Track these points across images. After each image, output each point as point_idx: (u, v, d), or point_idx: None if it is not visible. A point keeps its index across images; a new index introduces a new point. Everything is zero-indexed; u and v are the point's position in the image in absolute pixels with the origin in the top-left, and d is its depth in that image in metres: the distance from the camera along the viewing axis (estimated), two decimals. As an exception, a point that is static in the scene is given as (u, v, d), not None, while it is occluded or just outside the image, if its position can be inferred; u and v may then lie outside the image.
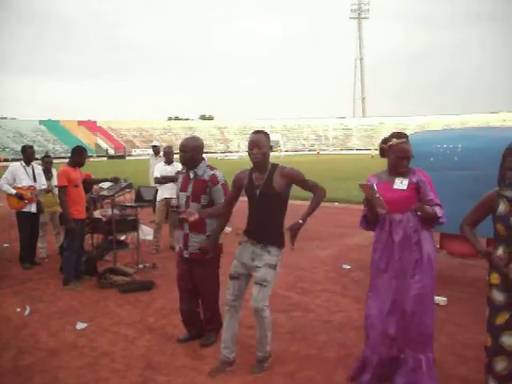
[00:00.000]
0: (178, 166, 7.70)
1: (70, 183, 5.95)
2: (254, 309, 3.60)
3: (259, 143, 3.55)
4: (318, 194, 3.56)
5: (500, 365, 2.84)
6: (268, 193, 3.57)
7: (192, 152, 4.05)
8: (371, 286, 3.50)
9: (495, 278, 2.89)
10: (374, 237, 3.53)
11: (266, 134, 3.66)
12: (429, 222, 3.28)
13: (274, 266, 3.60)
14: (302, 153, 58.01)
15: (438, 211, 3.21)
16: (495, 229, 2.91)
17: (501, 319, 2.82)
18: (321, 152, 65.60)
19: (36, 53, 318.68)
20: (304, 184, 3.59)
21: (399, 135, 3.37)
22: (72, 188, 5.98)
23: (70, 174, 5.98)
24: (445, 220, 3.24)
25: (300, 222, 3.43)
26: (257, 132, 3.65)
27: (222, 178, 4.09)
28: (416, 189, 3.30)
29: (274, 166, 3.63)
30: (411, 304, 3.26)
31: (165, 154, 8.23)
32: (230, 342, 3.77)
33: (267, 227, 3.62)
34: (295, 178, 3.59)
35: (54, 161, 8.02)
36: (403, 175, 3.35)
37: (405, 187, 3.30)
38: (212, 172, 4.07)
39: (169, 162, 8.03)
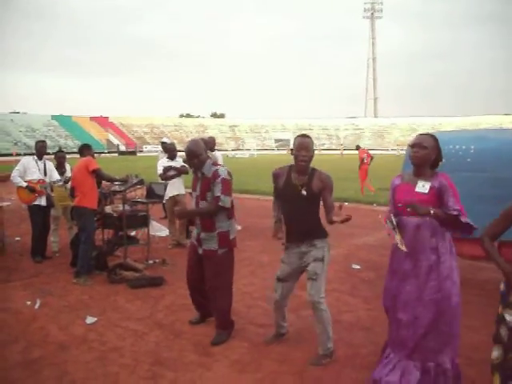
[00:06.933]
0: (181, 162, 7.75)
1: (92, 171, 6.12)
2: (310, 303, 3.80)
3: (308, 147, 3.73)
4: (329, 216, 3.68)
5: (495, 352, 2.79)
6: (309, 193, 3.74)
7: (198, 155, 4.13)
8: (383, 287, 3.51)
9: None
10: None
11: (311, 139, 3.81)
12: (452, 226, 3.18)
13: (321, 259, 3.80)
14: (317, 152, 57.56)
15: (454, 213, 3.09)
16: None
17: None
18: (334, 152, 64.68)
19: (47, 49, 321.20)
20: (327, 196, 3.78)
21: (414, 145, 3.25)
22: (90, 175, 6.10)
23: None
24: (475, 226, 3.10)
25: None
26: (305, 136, 3.80)
27: (225, 173, 4.11)
28: (437, 194, 3.21)
29: (314, 169, 3.80)
30: (424, 309, 3.22)
31: (167, 151, 8.24)
32: (278, 322, 4.18)
33: (309, 225, 3.83)
34: (326, 187, 3.77)
35: (66, 156, 8.09)
36: (427, 178, 3.26)
37: (426, 191, 3.21)
38: (215, 168, 4.13)
39: (172, 157, 8.06)
